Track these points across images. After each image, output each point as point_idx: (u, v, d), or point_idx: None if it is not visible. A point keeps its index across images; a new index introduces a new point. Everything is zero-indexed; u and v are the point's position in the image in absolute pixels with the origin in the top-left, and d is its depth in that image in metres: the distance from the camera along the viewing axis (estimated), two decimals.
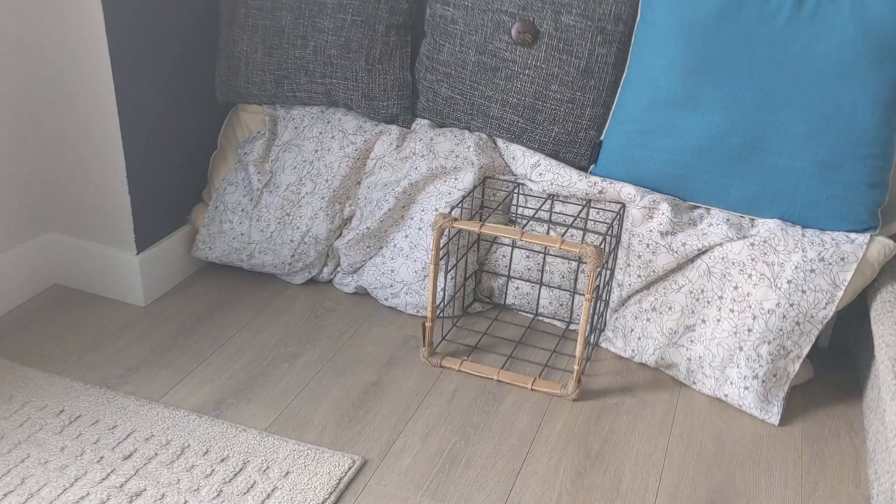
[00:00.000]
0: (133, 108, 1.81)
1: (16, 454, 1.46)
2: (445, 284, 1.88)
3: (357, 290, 2.03)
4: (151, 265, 1.94)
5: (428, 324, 1.76)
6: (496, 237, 1.93)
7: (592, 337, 1.84)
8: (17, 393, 1.62)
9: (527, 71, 1.78)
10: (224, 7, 1.98)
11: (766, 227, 1.68)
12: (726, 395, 1.69)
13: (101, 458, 1.46)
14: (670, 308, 1.74)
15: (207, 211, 2.03)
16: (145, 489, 1.40)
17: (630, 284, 1.79)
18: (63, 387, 1.64)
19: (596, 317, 1.83)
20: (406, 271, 1.91)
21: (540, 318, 1.97)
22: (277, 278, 2.08)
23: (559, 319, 1.95)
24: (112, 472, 1.43)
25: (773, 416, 1.66)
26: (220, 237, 2.01)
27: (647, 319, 1.78)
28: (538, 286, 1.93)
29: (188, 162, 2.03)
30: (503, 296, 1.99)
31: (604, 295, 1.86)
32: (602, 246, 1.63)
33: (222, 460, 1.47)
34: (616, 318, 1.85)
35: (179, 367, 1.74)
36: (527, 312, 1.98)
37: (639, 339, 1.79)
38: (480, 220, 1.63)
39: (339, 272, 2.04)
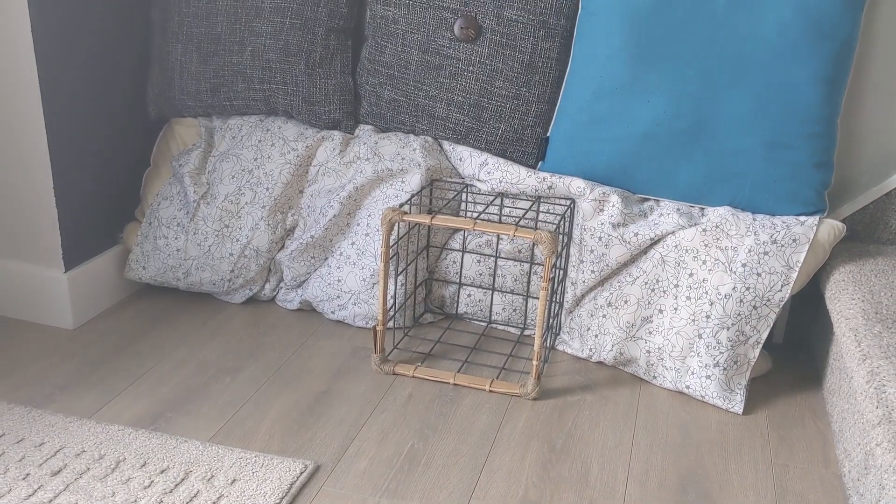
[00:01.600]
0: (60, 120, 1.72)
1: None
2: (396, 291, 1.81)
3: (301, 306, 1.94)
4: (80, 285, 1.83)
5: (379, 327, 1.68)
6: (446, 243, 1.88)
7: (548, 340, 1.78)
8: None
9: (471, 68, 1.76)
10: (156, 17, 1.93)
11: (717, 213, 1.67)
12: (688, 387, 1.65)
13: (27, 474, 1.33)
14: (626, 301, 1.71)
15: (140, 228, 1.93)
16: (76, 503, 1.27)
17: (584, 281, 1.75)
18: None
19: (550, 319, 1.78)
20: (353, 280, 1.84)
21: (494, 325, 1.91)
22: (215, 298, 1.98)
23: (513, 326, 1.90)
24: (39, 487, 1.30)
25: (737, 404, 1.62)
26: (154, 255, 1.90)
27: (604, 315, 1.74)
28: (490, 292, 1.88)
29: (119, 179, 1.93)
30: (455, 304, 1.92)
31: (557, 296, 1.81)
32: (556, 233, 1.59)
33: (162, 471, 1.35)
34: (571, 319, 1.80)
35: (112, 385, 1.62)
36: (480, 321, 1.92)
37: (596, 336, 1.75)
38: (429, 216, 1.58)
39: (281, 288, 1.95)
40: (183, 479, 1.34)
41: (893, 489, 1.06)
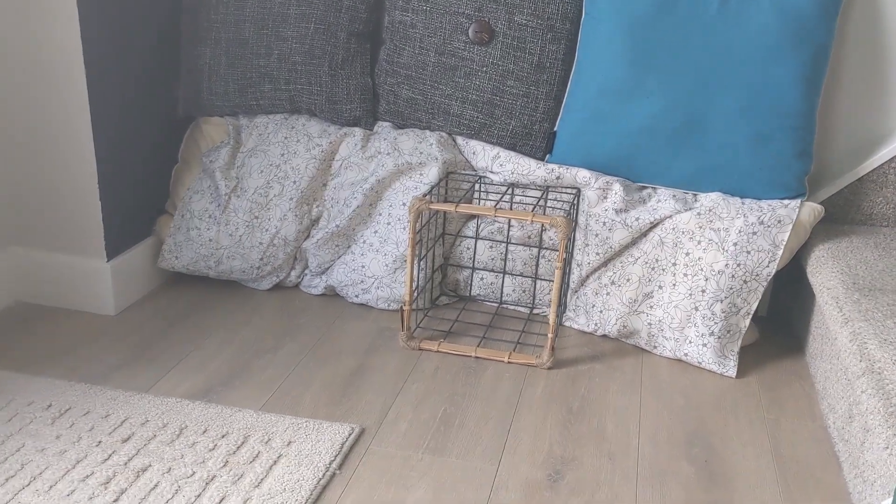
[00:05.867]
0: (105, 120, 1.85)
1: (10, 444, 1.44)
2: (417, 275, 1.97)
3: (325, 292, 2.08)
4: (120, 274, 1.95)
5: (406, 307, 1.83)
6: (460, 230, 2.04)
7: (557, 320, 1.95)
8: (1, 392, 1.60)
9: (484, 68, 1.93)
10: (186, 22, 2.06)
11: (709, 198, 1.85)
12: (686, 355, 1.83)
13: (100, 442, 1.46)
14: (628, 280, 1.88)
15: (173, 220, 2.06)
16: (151, 465, 1.41)
17: (589, 263, 1.92)
18: (46, 385, 1.63)
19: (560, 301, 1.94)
20: (377, 265, 1.99)
21: (505, 305, 2.07)
22: (243, 286, 2.11)
23: (523, 306, 2.06)
24: (113, 452, 1.43)
25: (730, 369, 1.80)
26: (187, 245, 2.04)
27: (608, 293, 1.91)
28: (502, 275, 2.04)
29: (152, 175, 2.06)
30: (468, 287, 2.08)
31: (564, 280, 1.98)
32: (569, 218, 1.76)
33: (223, 436, 1.49)
34: (577, 298, 1.97)
35: (161, 364, 1.75)
36: (492, 302, 2.08)
37: (601, 312, 1.92)
38: (454, 204, 1.74)
39: (306, 275, 2.10)
40: (243, 442, 1.48)
41: (879, 427, 1.25)
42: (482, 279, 2.06)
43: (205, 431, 1.51)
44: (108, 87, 1.86)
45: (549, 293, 2.03)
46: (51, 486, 1.34)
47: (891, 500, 1.06)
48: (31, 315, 1.93)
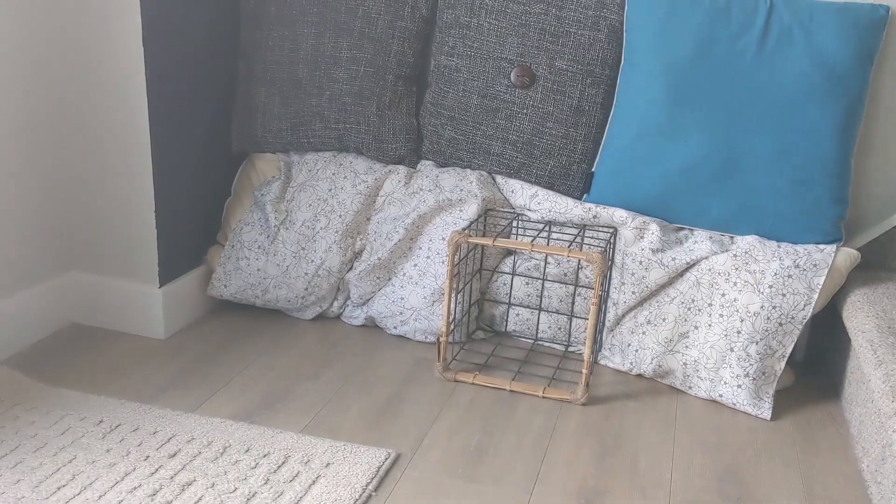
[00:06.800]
0: (164, 153, 1.95)
1: (62, 456, 1.51)
2: (454, 309, 2.02)
3: (365, 323, 2.14)
4: (171, 300, 2.04)
5: (443, 339, 1.88)
6: (497, 266, 2.09)
7: (592, 356, 1.98)
8: (54, 408, 1.67)
9: (525, 111, 2.00)
10: (242, 64, 2.17)
11: (746, 241, 1.88)
12: (721, 396, 1.84)
13: (147, 456, 1.52)
14: (664, 319, 1.91)
15: (224, 250, 2.14)
16: (195, 479, 1.46)
17: (625, 302, 1.95)
18: (98, 402, 1.70)
19: (596, 333, 1.97)
20: (415, 298, 2.04)
21: (540, 342, 2.11)
22: (286, 315, 2.18)
23: (558, 343, 2.09)
24: (160, 467, 1.49)
25: (765, 411, 1.81)
26: (236, 274, 2.12)
27: (643, 332, 1.94)
28: (538, 311, 2.08)
29: (204, 206, 2.16)
30: (504, 323, 2.13)
31: (601, 315, 2.01)
32: (605, 254, 1.80)
33: (265, 455, 1.55)
34: (613, 337, 2.00)
35: (208, 386, 1.81)
36: (527, 338, 2.12)
37: (636, 351, 1.95)
38: (491, 238, 1.80)
39: (348, 305, 2.16)
40: (284, 462, 1.53)
41: None
42: (518, 315, 2.10)
43: (247, 450, 1.56)
44: (168, 122, 1.96)
45: (584, 331, 2.06)
46: (100, 496, 1.40)
47: None
48: (86, 336, 2.02)
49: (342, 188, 2.10)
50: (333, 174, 2.12)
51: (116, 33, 1.85)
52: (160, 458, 1.52)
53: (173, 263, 2.05)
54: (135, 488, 1.43)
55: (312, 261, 2.09)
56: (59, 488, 1.42)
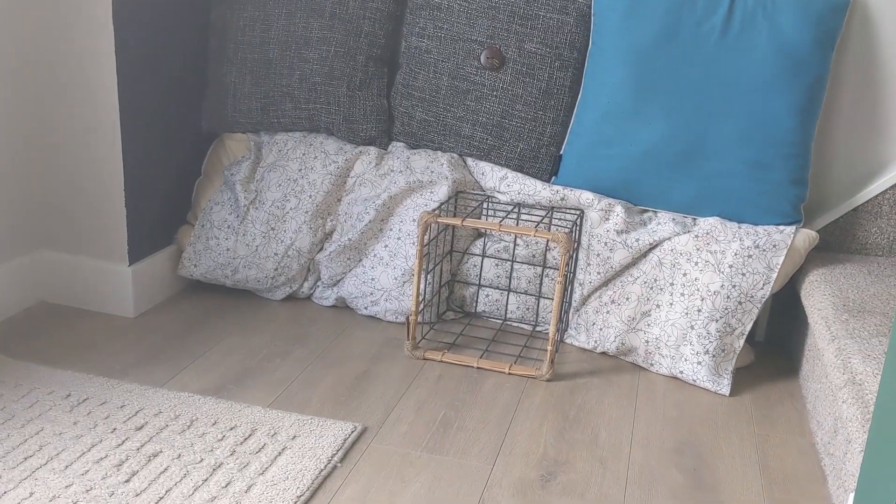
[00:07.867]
0: (134, 132, 1.96)
1: (29, 428, 1.52)
2: (424, 289, 2.04)
3: (336, 303, 2.16)
4: (140, 278, 2.05)
5: (412, 317, 1.91)
6: (468, 248, 2.11)
7: (558, 334, 2.01)
8: (22, 382, 1.68)
9: (494, 93, 2.02)
10: (213, 44, 2.17)
11: (707, 222, 1.92)
12: (681, 372, 1.88)
13: (115, 429, 1.54)
14: (627, 298, 1.95)
15: (194, 230, 2.15)
16: (161, 451, 1.48)
17: (591, 282, 1.99)
18: (66, 377, 1.71)
19: (561, 312, 2.01)
20: (386, 278, 2.06)
21: (509, 322, 2.14)
22: (257, 296, 2.20)
23: (526, 323, 2.13)
24: (127, 439, 1.51)
25: (724, 387, 1.85)
26: (206, 254, 2.13)
27: (608, 312, 1.97)
28: (506, 292, 2.11)
29: (174, 186, 2.16)
30: (474, 304, 2.15)
31: (567, 296, 2.05)
32: (570, 234, 1.83)
33: (231, 428, 1.57)
34: (578, 316, 2.04)
35: (176, 363, 1.83)
36: (496, 318, 2.15)
37: (600, 329, 1.98)
38: (460, 218, 1.82)
39: (318, 286, 2.18)
40: (250, 435, 1.55)
41: (856, 433, 1.30)
42: (488, 296, 2.13)
43: (214, 423, 1.58)
44: (139, 102, 1.97)
45: (551, 311, 2.09)
46: (66, 466, 1.42)
47: (853, 495, 1.12)
48: (55, 314, 2.02)
49: (312, 168, 2.12)
50: (304, 154, 2.14)
51: (86, 12, 1.85)
52: (127, 430, 1.54)
53: (143, 242, 2.06)
54: (101, 459, 1.44)
55: (282, 241, 2.10)
56: (25, 458, 1.43)
